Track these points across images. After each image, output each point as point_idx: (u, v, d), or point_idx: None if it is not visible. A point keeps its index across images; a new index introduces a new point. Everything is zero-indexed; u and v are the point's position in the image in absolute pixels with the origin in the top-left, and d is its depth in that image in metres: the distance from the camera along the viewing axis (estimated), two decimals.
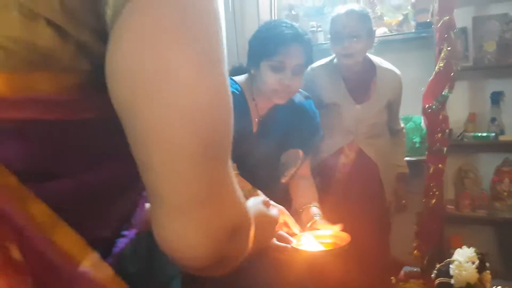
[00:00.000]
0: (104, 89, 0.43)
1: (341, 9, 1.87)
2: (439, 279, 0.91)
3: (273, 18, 3.35)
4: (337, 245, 1.32)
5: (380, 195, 1.93)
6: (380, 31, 2.84)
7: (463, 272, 0.87)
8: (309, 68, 2.06)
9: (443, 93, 1.85)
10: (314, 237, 1.37)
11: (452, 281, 0.88)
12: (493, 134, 2.40)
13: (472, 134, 2.47)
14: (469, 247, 2.57)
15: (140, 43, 0.40)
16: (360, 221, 1.85)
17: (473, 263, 0.90)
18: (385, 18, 2.89)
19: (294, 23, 1.58)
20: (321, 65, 2.01)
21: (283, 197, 1.64)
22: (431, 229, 1.91)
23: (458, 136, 2.52)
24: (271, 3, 3.36)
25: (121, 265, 1.00)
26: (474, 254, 0.94)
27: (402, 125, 2.10)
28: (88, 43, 0.43)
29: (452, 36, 1.84)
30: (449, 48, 1.82)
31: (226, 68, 0.45)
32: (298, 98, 1.71)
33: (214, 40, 0.44)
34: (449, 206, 2.51)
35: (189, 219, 0.43)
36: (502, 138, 2.37)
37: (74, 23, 0.42)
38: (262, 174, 1.61)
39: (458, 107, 2.63)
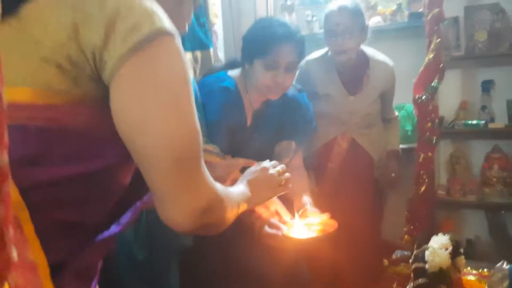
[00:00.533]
0: (91, 107, 0.67)
1: (334, 4, 1.90)
2: (415, 264, 0.98)
3: (269, 8, 3.39)
4: (326, 231, 1.40)
5: (373, 184, 2.00)
6: (373, 20, 2.88)
7: (437, 258, 0.94)
8: (304, 60, 2.11)
9: (432, 83, 1.90)
10: (304, 225, 1.44)
11: (427, 266, 0.96)
12: (483, 122, 2.46)
13: (463, 121, 2.53)
14: (459, 231, 2.66)
15: (130, 99, 0.65)
16: (353, 208, 1.92)
17: (447, 249, 0.97)
18: (379, 7, 2.93)
19: (287, 21, 1.62)
20: (316, 58, 2.06)
21: None
22: (421, 215, 1.98)
23: (449, 124, 2.58)
24: None
25: (131, 253, 1.13)
26: (448, 241, 1.01)
27: (396, 113, 2.16)
28: (81, 79, 0.65)
29: (441, 28, 1.89)
30: (438, 40, 1.87)
31: (193, 110, 0.70)
32: (291, 91, 1.77)
33: (183, 94, 0.68)
34: (440, 192, 2.58)
35: (171, 204, 0.69)
36: (491, 125, 2.43)
37: (74, 68, 0.64)
38: None
39: (450, 95, 2.69)
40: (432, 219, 2.64)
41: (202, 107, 1.60)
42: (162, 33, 0.65)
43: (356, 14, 1.87)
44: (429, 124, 1.93)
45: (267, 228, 1.42)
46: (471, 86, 2.64)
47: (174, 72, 0.68)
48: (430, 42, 1.91)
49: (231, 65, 1.75)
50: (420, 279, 0.94)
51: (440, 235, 1.05)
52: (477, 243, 2.64)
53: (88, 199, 0.71)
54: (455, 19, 2.58)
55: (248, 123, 1.69)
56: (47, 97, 0.64)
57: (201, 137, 0.71)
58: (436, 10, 1.87)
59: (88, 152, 0.68)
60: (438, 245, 0.98)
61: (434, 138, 1.94)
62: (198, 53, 2.50)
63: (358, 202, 1.89)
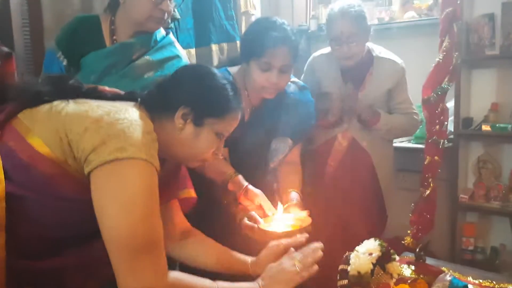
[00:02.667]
0: (61, 167, 0.94)
1: (336, 8, 1.89)
2: (341, 265, 1.01)
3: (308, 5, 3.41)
4: (300, 227, 1.45)
5: (373, 184, 1.99)
6: (408, 15, 2.81)
7: (357, 262, 0.96)
8: (311, 56, 2.13)
9: (442, 85, 1.84)
10: (282, 220, 1.50)
11: (349, 268, 0.98)
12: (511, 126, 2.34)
13: (490, 124, 2.41)
14: (484, 237, 2.55)
15: (99, 193, 0.92)
16: (349, 206, 1.94)
17: (371, 254, 0.98)
18: (415, 2, 2.84)
19: (284, 23, 1.63)
20: (322, 55, 2.07)
21: (271, 180, 1.77)
22: (425, 218, 1.94)
23: (476, 126, 2.47)
24: None
25: None
26: (376, 246, 1.02)
27: (414, 109, 2.09)
28: (66, 152, 0.94)
29: (454, 29, 1.82)
30: (449, 41, 1.81)
31: (149, 215, 0.93)
32: (292, 88, 1.81)
33: (139, 204, 0.91)
34: (462, 196, 2.49)
35: (119, 281, 0.91)
36: None
37: (67, 146, 0.94)
38: (252, 159, 1.75)
39: (482, 96, 2.57)
40: (453, 223, 2.57)
41: None
42: (138, 159, 0.92)
43: (359, 18, 1.85)
44: (437, 127, 1.88)
45: (246, 220, 1.50)
46: (505, 87, 2.49)
47: (136, 186, 0.92)
48: (442, 42, 1.85)
49: (232, 61, 1.82)
50: (342, 281, 0.97)
51: (372, 240, 1.06)
52: (502, 251, 2.53)
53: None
54: (491, 16, 2.44)
55: (246, 118, 1.76)
56: (43, 149, 0.94)
57: (157, 235, 0.94)
58: (450, 9, 1.80)
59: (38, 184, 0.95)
60: (363, 250, 1.00)
61: (441, 141, 1.88)
62: (225, 45, 2.60)
63: (355, 200, 1.90)
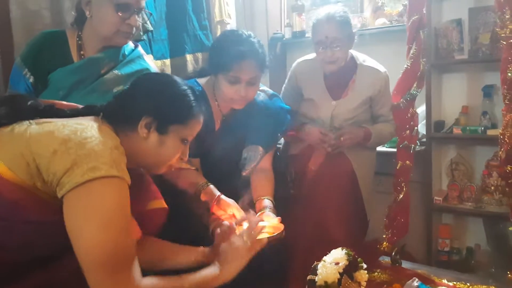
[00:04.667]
0: (28, 192, 0.93)
1: (321, 14, 1.92)
2: (310, 276, 1.01)
3: (282, 8, 3.43)
4: (272, 234, 1.46)
5: (354, 190, 2.00)
6: (379, 21, 2.85)
7: (324, 271, 0.97)
8: (295, 62, 2.16)
9: (411, 91, 1.88)
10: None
11: (316, 278, 0.99)
12: (482, 128, 2.38)
13: (461, 127, 2.46)
14: (460, 238, 2.59)
15: (73, 214, 0.92)
16: (332, 212, 1.95)
17: (337, 264, 0.99)
18: (386, 8, 2.88)
19: (251, 35, 1.66)
20: (306, 60, 2.10)
21: (243, 189, 1.78)
22: (399, 222, 1.97)
23: (448, 129, 2.52)
24: None
25: None
26: (344, 255, 1.03)
27: None
28: (34, 176, 0.93)
29: (421, 36, 1.86)
30: (416, 48, 1.84)
31: (122, 232, 0.94)
32: (261, 97, 1.82)
33: (113, 222, 0.92)
34: (436, 198, 2.53)
35: None
36: (490, 132, 2.34)
37: (34, 169, 0.93)
38: (224, 168, 1.76)
39: (453, 100, 2.62)
40: (429, 225, 2.60)
41: None
42: (111, 176, 0.93)
43: (344, 24, 1.89)
44: (407, 132, 1.91)
45: (219, 230, 1.50)
46: (474, 90, 2.55)
47: (111, 204, 0.93)
48: (409, 49, 1.88)
49: (202, 72, 1.83)
50: None
51: (339, 249, 1.07)
52: (477, 251, 2.57)
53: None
54: (458, 22, 2.50)
55: (216, 128, 1.77)
56: (7, 174, 0.92)
57: (132, 249, 0.97)
58: (416, 17, 1.84)
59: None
60: (330, 259, 1.01)
61: (412, 146, 1.91)
62: (199, 55, 2.60)
63: (335, 204, 1.91)
